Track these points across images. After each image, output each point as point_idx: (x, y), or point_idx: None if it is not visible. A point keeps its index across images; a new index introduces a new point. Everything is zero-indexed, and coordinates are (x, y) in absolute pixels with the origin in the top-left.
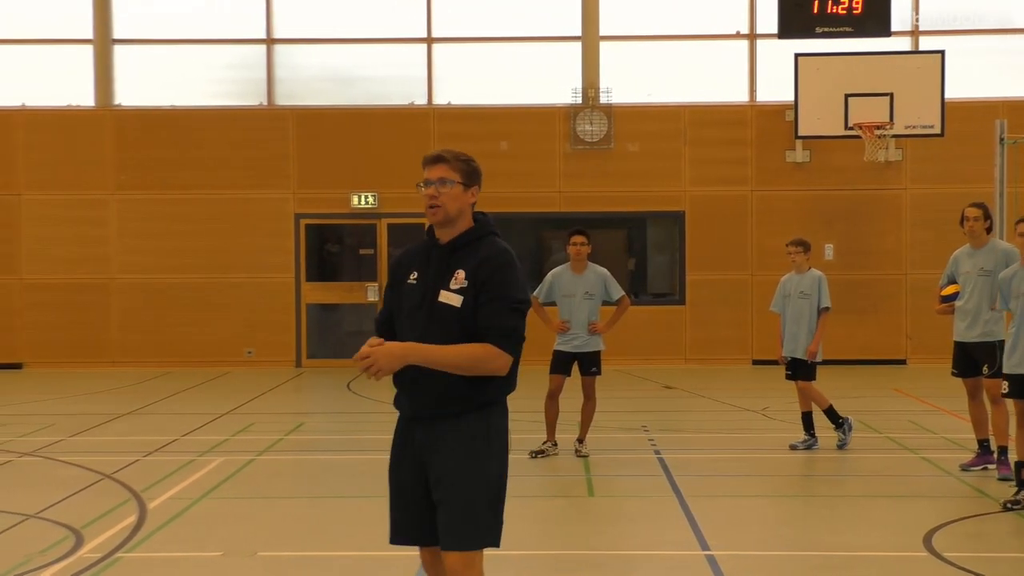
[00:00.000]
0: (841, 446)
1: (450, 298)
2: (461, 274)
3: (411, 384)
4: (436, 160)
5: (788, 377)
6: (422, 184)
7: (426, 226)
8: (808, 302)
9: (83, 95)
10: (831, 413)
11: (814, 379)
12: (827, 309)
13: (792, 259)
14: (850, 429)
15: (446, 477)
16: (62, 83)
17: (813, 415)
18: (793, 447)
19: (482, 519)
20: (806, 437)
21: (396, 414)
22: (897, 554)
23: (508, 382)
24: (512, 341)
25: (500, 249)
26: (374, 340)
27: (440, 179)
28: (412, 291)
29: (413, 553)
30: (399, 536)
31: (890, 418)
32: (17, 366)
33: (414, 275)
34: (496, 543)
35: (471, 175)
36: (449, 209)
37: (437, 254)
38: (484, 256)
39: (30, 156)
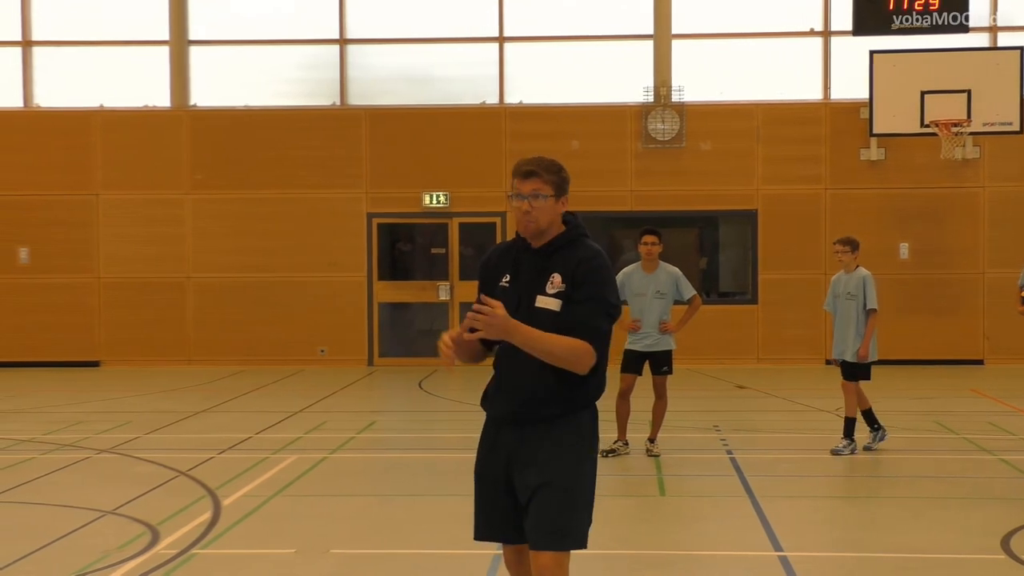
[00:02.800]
0: (867, 448)
1: (548, 303)
2: (558, 278)
3: (505, 385)
4: (528, 174)
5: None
6: (514, 195)
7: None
8: (854, 303)
9: (159, 96)
10: (869, 416)
11: (868, 379)
12: (874, 310)
13: (839, 258)
14: (882, 439)
15: (538, 479)
16: (139, 84)
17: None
18: (867, 448)
19: (573, 520)
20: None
21: (467, 412)
22: (974, 556)
23: (599, 385)
24: (602, 342)
25: (595, 251)
26: (495, 301)
27: (533, 192)
28: (505, 295)
29: (485, 551)
30: (484, 533)
31: (968, 419)
32: (95, 364)
33: (506, 278)
34: (585, 544)
35: (562, 185)
36: (542, 223)
37: (530, 258)
38: (581, 258)
39: (107, 156)
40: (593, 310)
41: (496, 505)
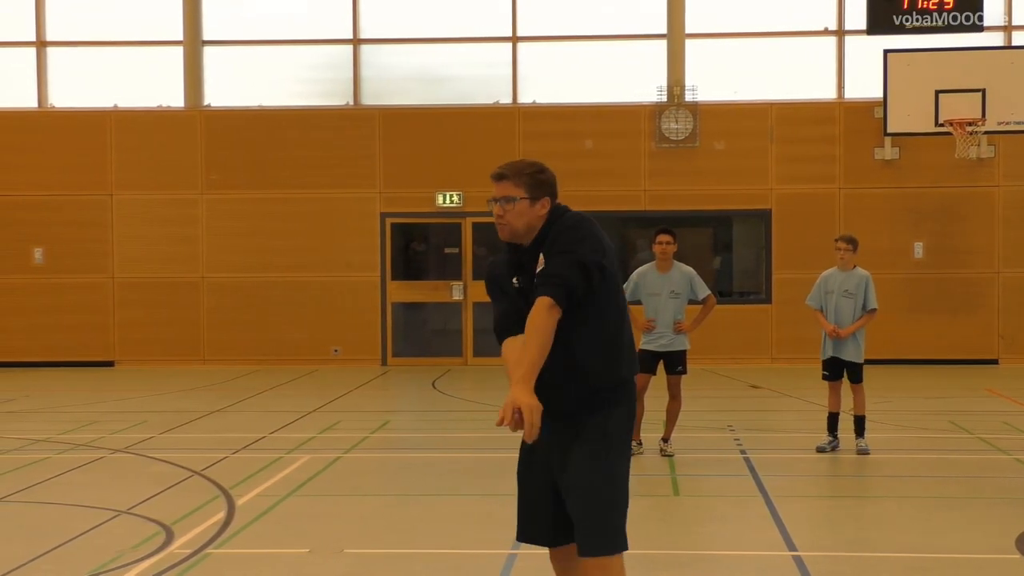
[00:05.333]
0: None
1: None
2: (542, 258)
3: (538, 387)
4: (499, 177)
5: (825, 378)
6: (490, 201)
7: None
8: (852, 301)
9: (173, 96)
10: (833, 420)
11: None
12: (875, 310)
13: (840, 256)
14: (834, 448)
15: (577, 482)
16: (153, 84)
17: (840, 417)
18: (862, 451)
19: (611, 523)
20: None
21: (480, 412)
22: (988, 556)
23: (630, 379)
24: (560, 289)
25: (569, 216)
26: (509, 415)
27: (505, 197)
28: (520, 295)
29: (500, 551)
30: (526, 536)
31: (982, 419)
32: (109, 363)
33: (516, 280)
34: (619, 547)
35: (538, 187)
36: (516, 226)
37: (528, 254)
38: (553, 230)
39: (122, 156)
40: (559, 263)
41: (537, 509)
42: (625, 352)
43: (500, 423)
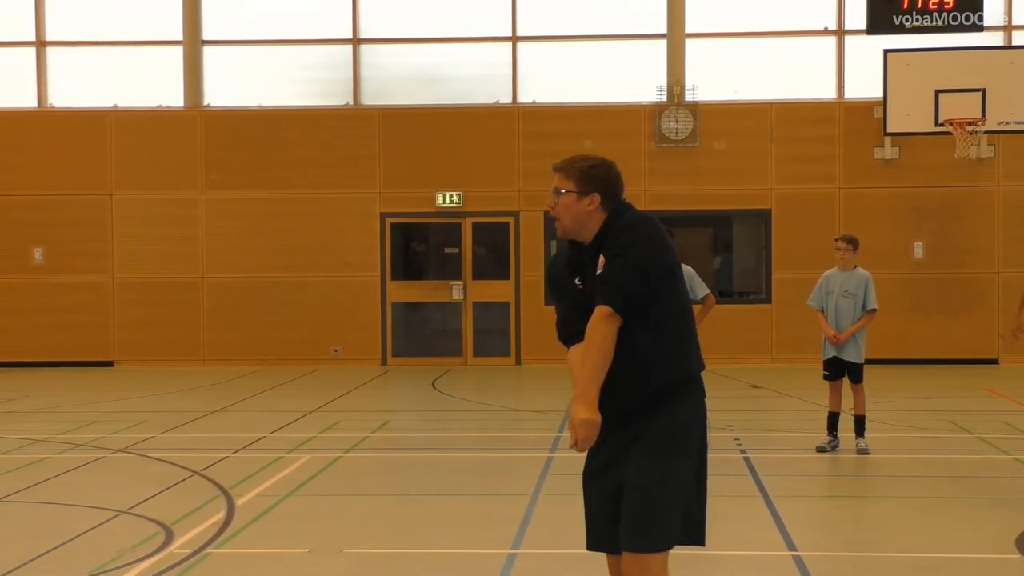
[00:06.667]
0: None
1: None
2: (602, 259)
3: (604, 390)
4: (555, 169)
5: (826, 378)
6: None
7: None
8: (853, 302)
9: (173, 96)
10: (833, 420)
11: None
12: (875, 310)
13: (840, 256)
14: (834, 448)
15: (635, 480)
16: (153, 84)
17: (840, 417)
18: (862, 451)
19: (659, 521)
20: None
21: (480, 412)
22: (988, 556)
23: (697, 376)
24: (618, 297)
25: (629, 215)
26: (570, 435)
27: (555, 189)
28: (583, 296)
29: (500, 551)
30: (596, 545)
31: (982, 419)
32: (109, 363)
33: (578, 280)
34: (664, 546)
35: (587, 181)
36: (564, 220)
37: (589, 254)
38: (613, 229)
39: (121, 156)
40: (615, 268)
41: (599, 513)
42: (692, 349)
43: (573, 447)
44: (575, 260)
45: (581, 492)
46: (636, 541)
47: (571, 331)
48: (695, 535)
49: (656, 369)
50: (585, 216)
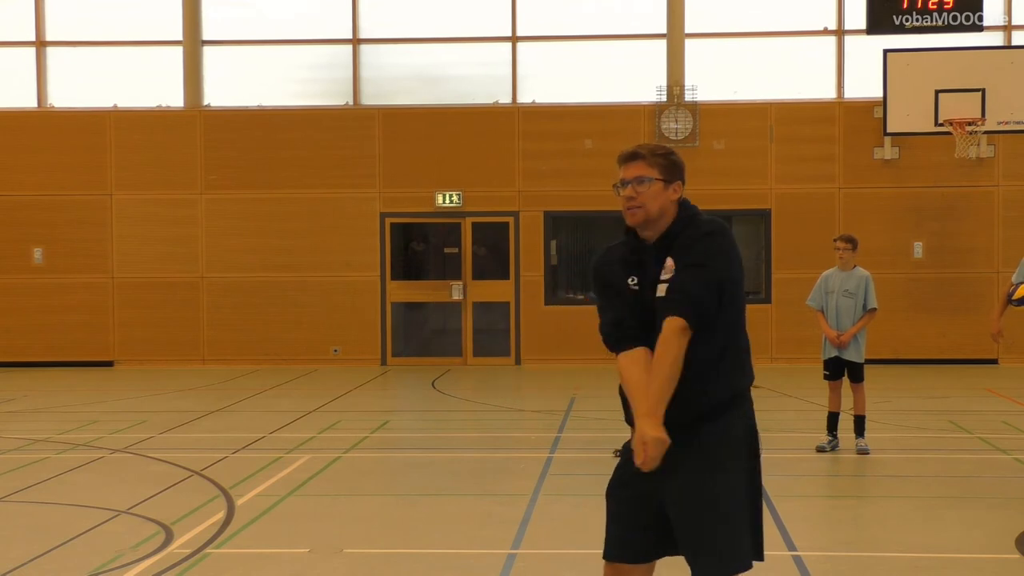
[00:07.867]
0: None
1: (660, 290)
2: (670, 262)
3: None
4: (632, 157)
5: (826, 378)
6: (619, 184)
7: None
8: (853, 301)
9: (173, 96)
10: (833, 420)
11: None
12: (875, 310)
13: (840, 255)
14: (833, 448)
15: (685, 497)
16: (152, 84)
17: (840, 416)
18: (862, 450)
19: (724, 539)
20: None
21: (480, 412)
22: (988, 556)
23: (747, 389)
24: (694, 310)
25: (706, 220)
26: (641, 453)
27: (637, 178)
28: (636, 298)
29: (500, 551)
30: (615, 553)
31: (982, 419)
32: (108, 363)
33: (633, 280)
34: (746, 563)
35: (671, 170)
36: (650, 209)
37: (650, 252)
38: (692, 232)
39: (121, 156)
40: (693, 278)
41: (629, 523)
42: (747, 362)
43: (639, 464)
44: (632, 259)
45: (581, 492)
46: (712, 569)
47: (623, 335)
48: (758, 553)
49: (714, 384)
50: (669, 206)
